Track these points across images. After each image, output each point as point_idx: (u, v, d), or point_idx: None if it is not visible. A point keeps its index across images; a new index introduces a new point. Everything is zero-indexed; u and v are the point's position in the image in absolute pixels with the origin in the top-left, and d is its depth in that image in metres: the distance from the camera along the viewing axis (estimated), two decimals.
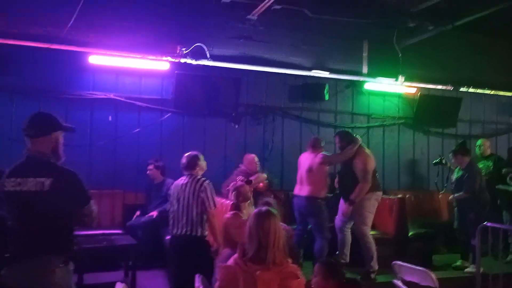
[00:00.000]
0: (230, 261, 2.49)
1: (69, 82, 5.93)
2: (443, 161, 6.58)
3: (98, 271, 4.85)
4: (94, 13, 5.73)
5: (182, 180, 4.18)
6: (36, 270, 2.33)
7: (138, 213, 5.88)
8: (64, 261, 2.40)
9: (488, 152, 6.80)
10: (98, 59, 5.87)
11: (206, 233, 4.07)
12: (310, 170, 5.39)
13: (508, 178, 6.34)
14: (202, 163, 4.26)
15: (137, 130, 6.21)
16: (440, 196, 7.05)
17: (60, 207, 2.40)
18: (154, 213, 5.67)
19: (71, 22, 5.47)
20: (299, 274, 2.47)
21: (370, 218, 5.24)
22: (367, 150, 5.42)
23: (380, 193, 5.38)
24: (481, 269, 4.83)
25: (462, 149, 5.96)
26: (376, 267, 5.20)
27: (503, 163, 6.58)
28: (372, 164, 5.26)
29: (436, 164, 6.68)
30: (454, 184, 6.01)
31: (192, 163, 4.18)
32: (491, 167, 6.58)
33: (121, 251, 5.01)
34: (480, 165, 6.66)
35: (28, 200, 2.38)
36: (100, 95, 6.03)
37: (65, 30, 5.51)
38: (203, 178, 4.13)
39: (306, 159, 5.56)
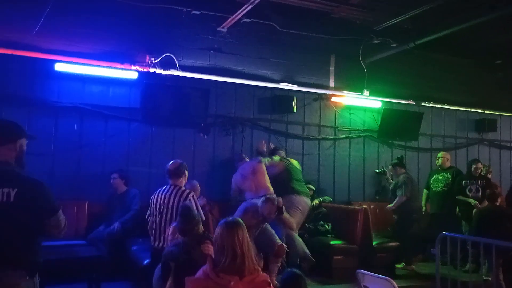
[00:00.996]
0: (199, 274, 2.45)
1: (34, 89, 5.77)
2: (385, 171, 7.29)
3: (60, 283, 4.68)
4: (61, 20, 5.66)
5: (165, 190, 4.08)
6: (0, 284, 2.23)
7: (102, 227, 5.72)
8: (30, 274, 2.31)
9: (448, 164, 7.10)
10: (64, 66, 5.76)
11: None
12: (255, 172, 5.73)
13: (467, 190, 6.65)
14: (187, 173, 4.23)
15: (103, 139, 6.10)
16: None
17: (26, 219, 2.30)
18: (116, 225, 5.55)
19: (36, 29, 5.37)
20: (271, 283, 2.48)
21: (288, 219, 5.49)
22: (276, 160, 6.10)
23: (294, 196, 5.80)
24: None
25: (400, 163, 6.89)
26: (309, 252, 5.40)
27: (463, 176, 6.89)
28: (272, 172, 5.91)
29: (378, 173, 7.42)
30: (391, 193, 6.77)
31: (180, 171, 4.13)
32: (450, 179, 6.87)
33: (84, 263, 4.89)
34: (440, 177, 7.00)
35: None
36: (65, 103, 5.90)
37: (30, 36, 5.41)
38: (187, 190, 4.05)
39: (246, 168, 5.88)
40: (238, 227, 2.49)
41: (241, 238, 2.44)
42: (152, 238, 4.12)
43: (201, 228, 3.48)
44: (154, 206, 4.07)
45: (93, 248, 5.24)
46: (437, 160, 7.19)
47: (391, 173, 7.02)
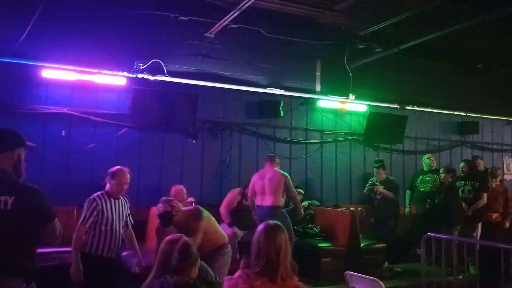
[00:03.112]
0: (237, 273, 2.40)
1: (21, 96, 5.74)
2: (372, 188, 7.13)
3: None
4: (49, 26, 5.65)
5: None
6: None
7: None
8: (26, 282, 2.32)
9: (434, 166, 7.26)
10: (51, 73, 5.75)
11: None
12: (272, 179, 5.80)
13: (460, 191, 6.66)
14: (113, 182, 4.21)
15: (92, 145, 6.10)
16: None
17: (23, 226, 2.32)
18: None
19: (24, 35, 5.36)
20: None
21: None
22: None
23: None
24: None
25: (384, 164, 7.19)
26: None
27: (458, 177, 6.92)
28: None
29: (367, 191, 7.15)
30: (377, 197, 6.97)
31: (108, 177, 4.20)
32: (438, 180, 6.98)
33: None
34: (426, 178, 7.16)
35: None
36: (53, 109, 5.88)
37: (17, 43, 5.39)
38: (92, 197, 4.07)
39: (269, 171, 5.91)
40: (276, 233, 2.37)
41: (278, 244, 2.32)
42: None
43: (196, 273, 2.92)
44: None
45: None
46: (429, 161, 7.29)
47: (375, 174, 7.13)
